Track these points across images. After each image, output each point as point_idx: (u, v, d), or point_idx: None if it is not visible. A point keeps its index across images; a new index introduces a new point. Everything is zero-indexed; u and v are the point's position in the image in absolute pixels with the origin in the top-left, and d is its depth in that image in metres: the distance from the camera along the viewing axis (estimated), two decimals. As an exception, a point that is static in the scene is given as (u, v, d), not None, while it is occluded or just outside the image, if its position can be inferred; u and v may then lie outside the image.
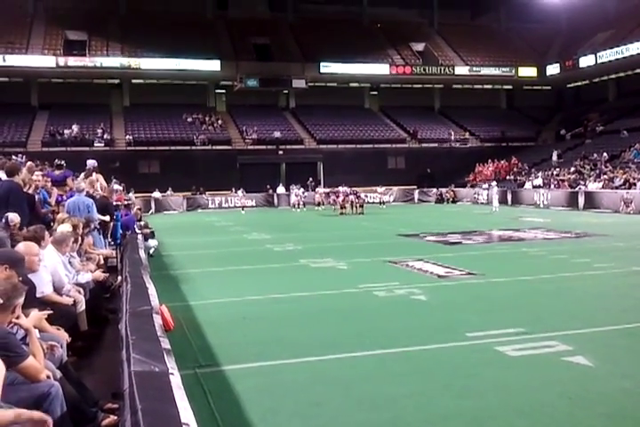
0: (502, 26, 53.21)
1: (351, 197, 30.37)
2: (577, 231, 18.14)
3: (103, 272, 7.64)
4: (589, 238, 16.62)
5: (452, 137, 44.34)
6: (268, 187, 38.57)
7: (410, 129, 45.34)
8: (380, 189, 36.43)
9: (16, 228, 6.48)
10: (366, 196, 33.66)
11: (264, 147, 41.09)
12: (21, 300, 3.58)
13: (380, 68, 45.86)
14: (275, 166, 41.22)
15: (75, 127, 38.50)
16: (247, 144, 41.31)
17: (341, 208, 29.97)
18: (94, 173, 12.23)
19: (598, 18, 46.90)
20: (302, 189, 35.84)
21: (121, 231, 12.11)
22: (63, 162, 12.33)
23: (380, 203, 35.35)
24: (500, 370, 5.69)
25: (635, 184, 28.89)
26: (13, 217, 6.54)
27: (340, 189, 32.28)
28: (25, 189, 8.03)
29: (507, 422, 4.59)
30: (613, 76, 44.87)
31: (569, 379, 5.39)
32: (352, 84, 47.05)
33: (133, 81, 43.35)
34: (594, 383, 5.29)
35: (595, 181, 32.09)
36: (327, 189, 35.79)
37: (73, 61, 40.31)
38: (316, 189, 36.66)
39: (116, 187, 16.63)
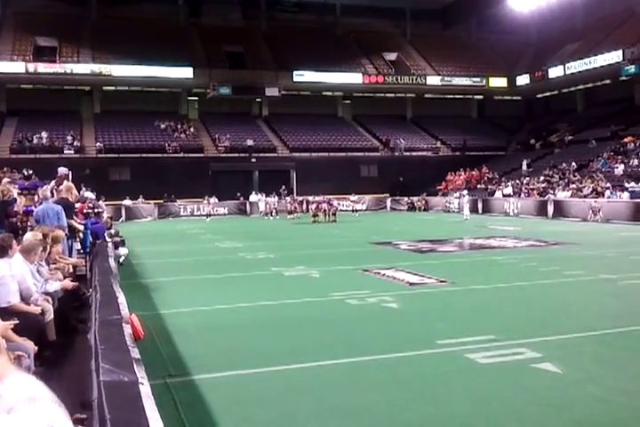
0: (473, 37, 53.96)
1: (324, 205, 30.43)
2: (546, 239, 18.38)
3: (72, 281, 7.53)
4: (558, 247, 16.87)
5: (402, 146, 44.13)
6: (239, 195, 38.37)
7: (382, 138, 45.63)
8: (354, 198, 36.57)
9: None
10: (339, 204, 33.75)
11: (237, 155, 40.97)
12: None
13: (353, 77, 46.19)
14: (247, 174, 41.17)
15: (44, 134, 38.00)
16: (220, 152, 41.18)
17: (314, 216, 30.01)
18: (65, 181, 12.09)
19: (567, 30, 47.84)
20: (276, 198, 35.77)
21: (90, 239, 11.96)
22: (31, 172, 12.20)
23: (353, 211, 35.53)
24: (470, 378, 5.73)
25: (602, 193, 29.43)
26: None
27: (308, 198, 32.48)
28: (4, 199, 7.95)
29: (477, 429, 4.62)
30: (581, 87, 45.67)
31: (538, 386, 5.44)
32: (325, 93, 47.25)
33: (104, 88, 42.96)
34: (563, 390, 5.35)
35: (563, 189, 32.61)
36: (289, 198, 35.73)
37: (43, 68, 39.84)
38: (286, 198, 36.55)
39: (88, 194, 16.44)
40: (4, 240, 5.99)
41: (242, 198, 38.36)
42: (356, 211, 35.93)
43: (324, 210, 30.24)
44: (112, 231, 15.09)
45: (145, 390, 3.28)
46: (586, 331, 7.32)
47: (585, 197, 29.97)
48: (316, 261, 14.28)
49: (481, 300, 9.63)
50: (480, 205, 34.66)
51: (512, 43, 51.81)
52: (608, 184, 30.29)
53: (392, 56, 50.91)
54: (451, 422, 4.73)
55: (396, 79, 47.08)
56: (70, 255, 9.73)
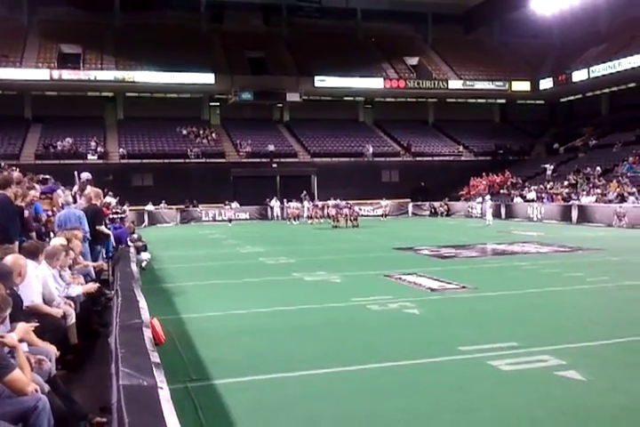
0: (495, 40, 53.66)
1: (345, 210, 30.44)
2: (570, 245, 18.15)
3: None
4: (583, 252, 16.64)
5: (371, 152, 43.11)
6: (268, 200, 38.49)
7: (404, 143, 45.50)
8: (384, 202, 36.91)
9: None
10: (360, 209, 33.77)
11: (258, 160, 41.15)
12: (8, 312, 3.55)
13: (374, 82, 46.10)
14: (269, 179, 41.19)
15: (68, 140, 38.48)
16: (241, 157, 41.38)
17: (334, 221, 30.01)
18: (89, 186, 12.18)
19: (591, 32, 47.38)
20: (297, 203, 36.08)
21: (113, 244, 12.05)
22: (48, 176, 12.40)
23: (383, 215, 35.84)
24: (492, 384, 5.65)
25: (627, 198, 29.02)
26: None
27: (330, 202, 32.64)
28: (18, 202, 7.95)
29: (500, 437, 4.55)
30: (606, 91, 45.21)
31: (562, 394, 5.35)
32: (346, 98, 47.26)
33: (127, 94, 43.43)
34: (587, 398, 5.26)
35: (588, 194, 32.21)
36: (308, 204, 36.06)
37: (67, 74, 40.32)
38: (303, 203, 36.75)
39: (109, 199, 16.56)
40: (37, 243, 6.12)
41: (266, 204, 38.47)
42: (386, 215, 36.28)
43: (345, 215, 30.23)
44: (134, 236, 15.19)
45: (164, 394, 3.28)
46: (611, 338, 7.19)
47: (610, 202, 29.58)
48: (337, 267, 14.24)
49: (503, 306, 9.52)
50: (503, 211, 34.34)
51: (535, 46, 51.44)
52: (633, 189, 29.85)
53: (413, 60, 50.79)
54: (473, 430, 4.67)
55: (418, 84, 46.91)
56: (96, 261, 9.80)
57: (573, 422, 4.76)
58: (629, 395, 5.28)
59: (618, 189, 30.53)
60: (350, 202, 32.04)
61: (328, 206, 32.77)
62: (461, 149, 45.82)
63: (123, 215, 18.86)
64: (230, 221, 35.01)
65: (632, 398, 5.20)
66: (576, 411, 4.96)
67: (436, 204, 39.56)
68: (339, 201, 32.36)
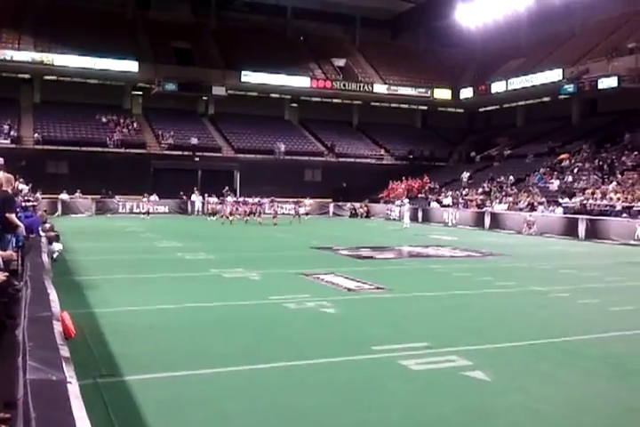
0: (420, 47, 54.88)
1: (254, 206, 30.94)
2: (482, 250, 18.82)
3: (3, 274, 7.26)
4: (493, 258, 17.29)
5: (282, 150, 43.67)
6: (182, 193, 37.80)
7: (328, 143, 45.87)
8: (309, 201, 37.03)
9: None
10: (280, 207, 33.86)
11: (180, 153, 40.47)
12: None
13: (301, 81, 46.29)
14: (190, 173, 40.58)
15: (-21, 122, 36.72)
16: (162, 149, 40.57)
17: (228, 217, 30.14)
18: (1, 172, 11.65)
19: (511, 46, 49.17)
20: (216, 198, 35.75)
21: (24, 233, 11.58)
22: None
23: (304, 214, 35.97)
24: (402, 383, 5.81)
25: (537, 207, 30.32)
26: None
27: (247, 200, 32.90)
28: None
29: (407, 434, 4.68)
30: (522, 103, 47.06)
31: (467, 393, 5.55)
32: (273, 95, 47.20)
33: (45, 77, 41.70)
34: (490, 397, 5.49)
35: (500, 202, 33.45)
36: (230, 199, 36.04)
37: (-20, 53, 38.45)
38: (226, 199, 36.53)
39: (21, 186, 15.94)
40: None
41: (185, 198, 37.84)
42: (307, 214, 36.32)
43: (259, 212, 30.57)
44: (47, 226, 14.68)
45: (73, 389, 3.20)
46: (516, 341, 7.52)
47: (521, 210, 30.81)
48: (255, 264, 14.22)
49: (416, 307, 9.79)
50: (420, 214, 35.20)
51: (458, 56, 52.95)
52: (543, 199, 31.21)
53: (341, 62, 51.28)
54: (381, 428, 4.79)
55: (344, 85, 47.46)
56: (5, 250, 9.38)
57: (477, 421, 4.95)
58: (529, 395, 5.55)
59: (528, 199, 31.85)
60: (276, 199, 32.40)
61: (247, 203, 32.81)
62: (383, 152, 46.65)
63: (35, 203, 18.16)
64: (148, 213, 34.14)
65: (531, 398, 5.46)
66: (478, 410, 5.17)
67: (357, 205, 40.13)
68: (260, 199, 32.51)
